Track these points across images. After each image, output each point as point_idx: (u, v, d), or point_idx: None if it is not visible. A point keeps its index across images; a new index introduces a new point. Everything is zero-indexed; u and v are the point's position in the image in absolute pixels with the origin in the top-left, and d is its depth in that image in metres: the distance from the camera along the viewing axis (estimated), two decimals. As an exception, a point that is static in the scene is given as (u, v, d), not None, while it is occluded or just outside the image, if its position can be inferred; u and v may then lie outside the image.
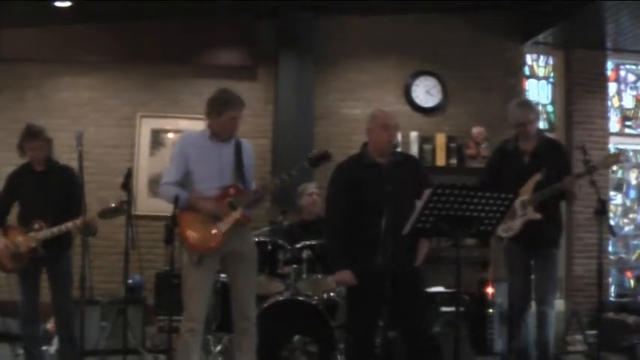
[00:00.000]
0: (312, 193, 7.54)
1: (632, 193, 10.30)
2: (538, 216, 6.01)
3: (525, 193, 6.07)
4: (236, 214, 5.40)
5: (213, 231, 5.38)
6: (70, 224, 6.06)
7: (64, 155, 6.88)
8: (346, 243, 5.33)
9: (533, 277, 6.25)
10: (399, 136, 8.96)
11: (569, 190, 5.98)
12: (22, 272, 6.14)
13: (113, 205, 6.25)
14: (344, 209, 5.37)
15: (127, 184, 5.98)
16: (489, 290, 7.79)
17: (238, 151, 5.55)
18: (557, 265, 6.31)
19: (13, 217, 6.44)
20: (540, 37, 9.64)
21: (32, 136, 6.20)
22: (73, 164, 6.16)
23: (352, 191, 5.34)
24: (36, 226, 6.08)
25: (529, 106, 6.40)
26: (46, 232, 6.06)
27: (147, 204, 8.81)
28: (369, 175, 5.33)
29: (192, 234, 5.38)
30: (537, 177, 6.06)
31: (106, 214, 6.23)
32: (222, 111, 5.44)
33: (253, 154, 5.74)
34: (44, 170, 6.25)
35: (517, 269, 6.29)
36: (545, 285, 6.15)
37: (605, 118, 9.95)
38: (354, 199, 5.32)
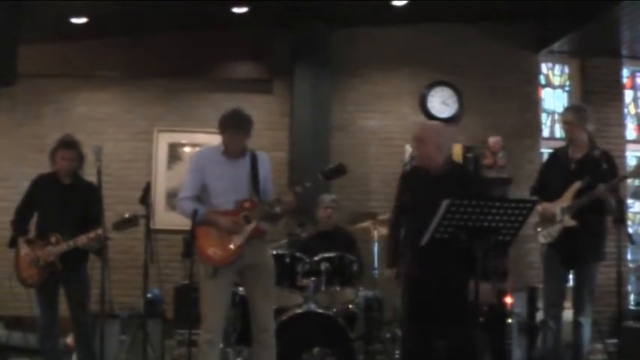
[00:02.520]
0: (328, 207, 7.57)
1: (651, 201, 10.26)
2: (573, 223, 5.98)
3: (566, 200, 6.05)
4: (250, 227, 5.42)
5: (229, 244, 5.41)
6: (84, 237, 6.01)
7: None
8: (394, 245, 5.57)
9: (570, 285, 6.25)
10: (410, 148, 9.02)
11: (602, 199, 5.91)
12: (40, 287, 6.14)
13: (127, 215, 6.25)
14: (395, 213, 5.64)
15: (146, 198, 5.99)
16: (508, 300, 7.75)
17: (254, 164, 5.57)
18: (595, 276, 6.18)
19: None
20: (555, 46, 9.64)
21: (67, 145, 6.21)
22: (92, 179, 6.20)
23: (405, 198, 5.48)
24: (53, 239, 6.07)
25: (571, 109, 6.44)
26: (63, 246, 6.05)
27: (165, 218, 8.83)
28: (414, 185, 5.46)
29: (207, 247, 5.41)
30: (577, 185, 6.03)
31: (120, 225, 6.22)
32: (222, 130, 5.53)
33: (270, 166, 5.75)
34: (70, 184, 6.24)
35: (552, 276, 6.27)
36: (581, 296, 6.11)
37: (622, 126, 9.93)
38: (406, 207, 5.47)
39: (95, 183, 6.03)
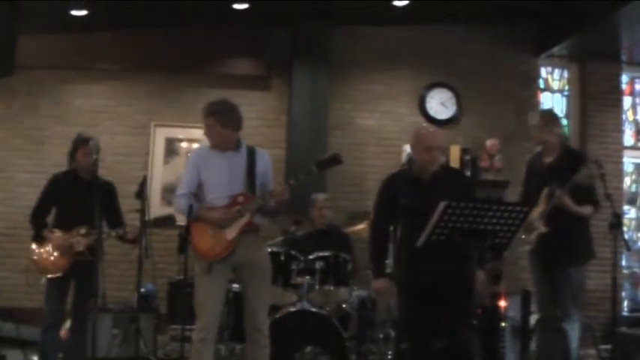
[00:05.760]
0: (322, 207, 7.57)
1: (646, 207, 10.28)
2: (544, 229, 5.98)
3: (541, 207, 6.04)
4: (243, 221, 5.40)
5: (222, 239, 5.39)
6: (121, 230, 6.28)
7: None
8: (384, 251, 5.54)
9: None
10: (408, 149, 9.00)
11: (560, 205, 5.90)
12: (57, 278, 6.20)
13: (166, 214, 6.39)
14: (384, 219, 5.53)
15: (142, 193, 6.00)
16: (502, 303, 7.75)
17: (251, 159, 5.56)
18: (574, 280, 6.08)
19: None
20: (555, 50, 9.65)
21: (86, 141, 6.30)
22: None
23: (393, 203, 5.39)
24: (82, 230, 6.16)
25: (539, 114, 6.40)
26: (94, 238, 6.12)
27: (160, 212, 8.74)
28: (407, 189, 5.34)
29: (201, 242, 5.41)
30: (545, 191, 6.02)
31: (160, 222, 6.29)
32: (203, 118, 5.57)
33: (269, 163, 5.72)
34: (90, 180, 6.27)
35: (536, 282, 6.30)
36: (560, 301, 6.07)
37: (620, 132, 9.94)
38: (395, 211, 5.40)
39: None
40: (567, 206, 5.87)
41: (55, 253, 6.20)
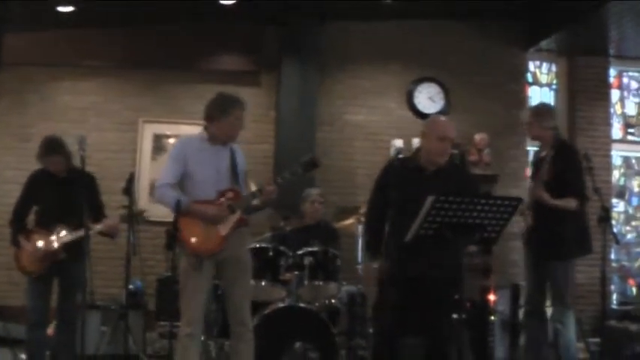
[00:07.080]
0: (315, 201, 7.56)
1: (635, 201, 10.30)
2: (530, 222, 5.99)
3: None
4: (235, 217, 5.38)
5: (215, 234, 5.35)
6: (97, 227, 6.15)
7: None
8: (379, 239, 5.44)
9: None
10: (402, 143, 8.98)
11: (536, 198, 5.90)
12: (38, 276, 6.15)
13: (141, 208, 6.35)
14: (379, 207, 5.48)
15: (129, 189, 5.97)
16: (491, 297, 7.76)
17: (232, 155, 5.53)
18: (563, 276, 6.04)
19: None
20: (543, 44, 9.66)
21: (51, 151, 6.22)
22: (75, 168, 6.21)
23: (389, 191, 5.35)
24: (59, 229, 6.11)
25: (530, 109, 6.38)
26: (71, 236, 6.09)
27: (148, 209, 8.75)
28: (407, 178, 5.30)
29: (193, 238, 5.34)
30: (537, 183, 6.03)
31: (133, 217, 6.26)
32: (229, 111, 5.42)
33: (244, 160, 5.71)
34: (66, 177, 6.24)
35: (528, 273, 6.32)
36: (552, 298, 6.09)
37: (608, 125, 9.97)
38: (391, 200, 5.34)
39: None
40: (542, 199, 5.87)
41: (30, 258, 6.13)
